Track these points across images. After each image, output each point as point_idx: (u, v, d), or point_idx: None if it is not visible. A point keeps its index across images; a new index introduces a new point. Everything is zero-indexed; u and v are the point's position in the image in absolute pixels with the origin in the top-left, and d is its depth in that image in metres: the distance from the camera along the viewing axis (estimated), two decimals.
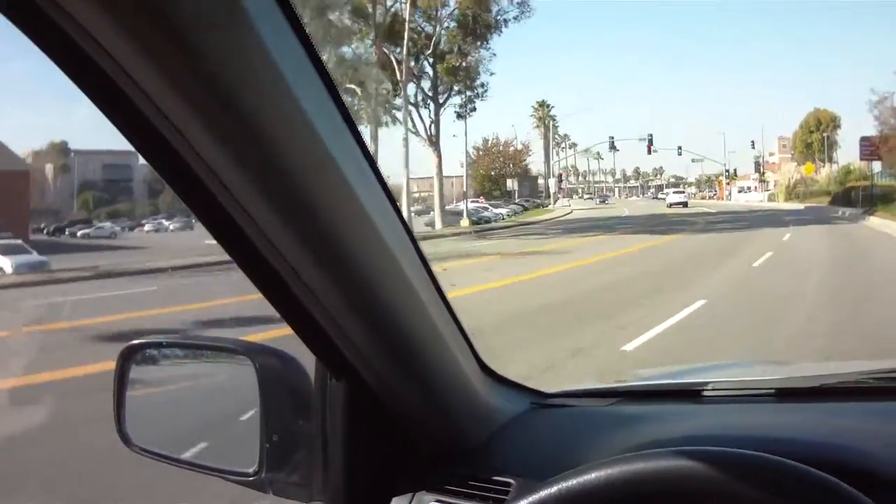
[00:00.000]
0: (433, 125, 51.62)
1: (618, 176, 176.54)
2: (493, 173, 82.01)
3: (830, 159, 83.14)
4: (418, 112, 50.67)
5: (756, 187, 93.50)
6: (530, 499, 1.00)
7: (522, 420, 1.47)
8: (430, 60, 51.74)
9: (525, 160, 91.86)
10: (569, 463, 1.11)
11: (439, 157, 49.68)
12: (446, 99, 54.26)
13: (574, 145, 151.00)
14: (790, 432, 1.26)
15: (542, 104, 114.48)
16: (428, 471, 1.31)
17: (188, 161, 0.89)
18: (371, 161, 1.02)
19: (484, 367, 1.42)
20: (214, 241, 1.01)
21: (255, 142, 0.85)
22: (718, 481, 0.96)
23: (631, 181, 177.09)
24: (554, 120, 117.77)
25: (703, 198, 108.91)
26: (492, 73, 60.29)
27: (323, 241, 0.98)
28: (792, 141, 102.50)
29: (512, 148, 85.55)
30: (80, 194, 63.58)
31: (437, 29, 50.50)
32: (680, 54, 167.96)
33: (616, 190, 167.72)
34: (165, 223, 50.59)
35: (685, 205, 74.12)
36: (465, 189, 58.17)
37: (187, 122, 0.83)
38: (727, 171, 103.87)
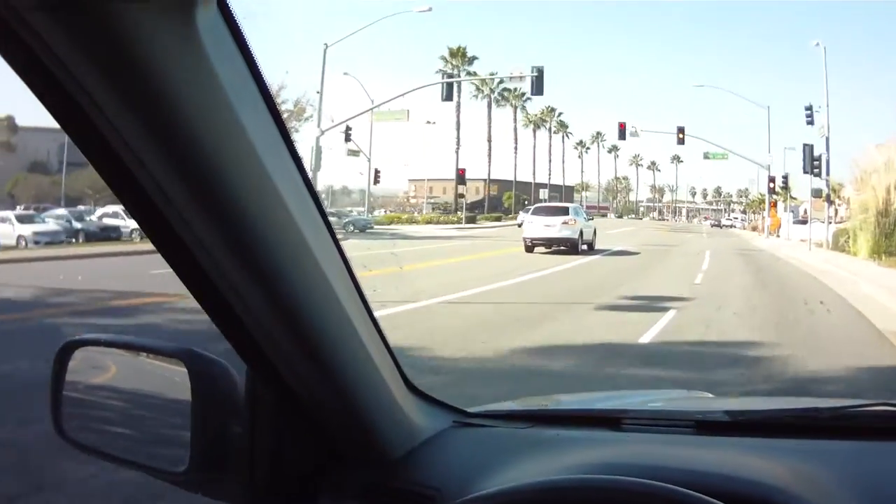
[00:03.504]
0: None
1: (696, 196, 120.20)
2: None
3: None
4: None
5: (827, 215, 29.36)
6: None
7: (444, 437, 1.30)
8: None
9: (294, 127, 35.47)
10: (487, 483, 1.07)
11: None
12: None
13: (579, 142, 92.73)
14: (708, 466, 1.10)
15: (458, 52, 55.97)
16: (351, 480, 1.19)
17: (132, 169, 0.79)
18: (303, 173, 0.92)
19: (408, 383, 1.27)
20: None
21: (191, 149, 0.77)
22: None
23: (714, 204, 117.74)
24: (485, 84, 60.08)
25: (753, 227, 58.76)
26: None
27: (251, 248, 0.87)
28: None
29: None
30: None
31: None
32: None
33: (682, 212, 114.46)
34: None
35: (571, 245, 23.86)
36: None
37: (125, 122, 0.75)
38: (772, 181, 41.42)
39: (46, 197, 43.49)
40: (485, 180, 78.05)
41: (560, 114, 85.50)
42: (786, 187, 41.74)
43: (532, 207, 25.74)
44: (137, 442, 1.17)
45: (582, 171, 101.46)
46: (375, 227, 40.79)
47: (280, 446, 1.11)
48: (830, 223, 30.51)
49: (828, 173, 29.72)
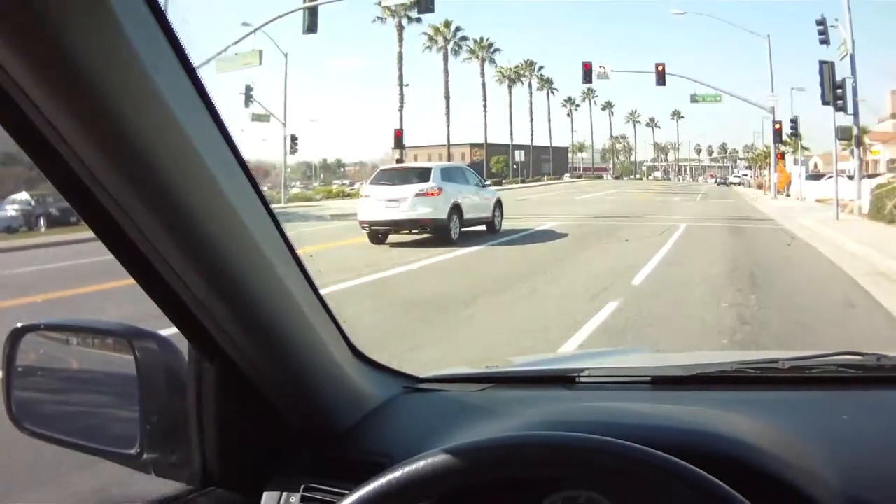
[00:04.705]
0: None
1: (701, 154, 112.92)
2: None
3: None
4: None
5: (859, 167, 17.91)
6: (379, 481, 0.81)
7: (395, 404, 1.24)
8: None
9: None
10: (439, 445, 0.97)
11: None
12: None
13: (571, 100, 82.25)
14: (664, 420, 1.05)
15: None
16: (301, 452, 1.12)
17: (55, 146, 0.76)
18: (234, 149, 0.88)
19: (356, 351, 1.20)
20: None
21: (118, 130, 0.74)
22: (579, 466, 0.81)
23: (721, 161, 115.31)
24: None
25: (759, 185, 46.55)
26: None
27: (184, 225, 0.84)
28: None
29: None
30: None
31: None
32: None
33: (686, 170, 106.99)
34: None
35: (437, 230, 13.72)
36: None
37: (56, 114, 0.72)
38: (777, 125, 30.41)
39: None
40: (468, 144, 68.17)
41: (541, 68, 74.65)
42: (796, 134, 31.34)
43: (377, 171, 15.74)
44: (91, 425, 1.12)
45: (573, 131, 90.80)
46: (281, 204, 31.42)
47: (228, 422, 1.05)
48: (860, 175, 20.53)
49: (855, 102, 19.37)
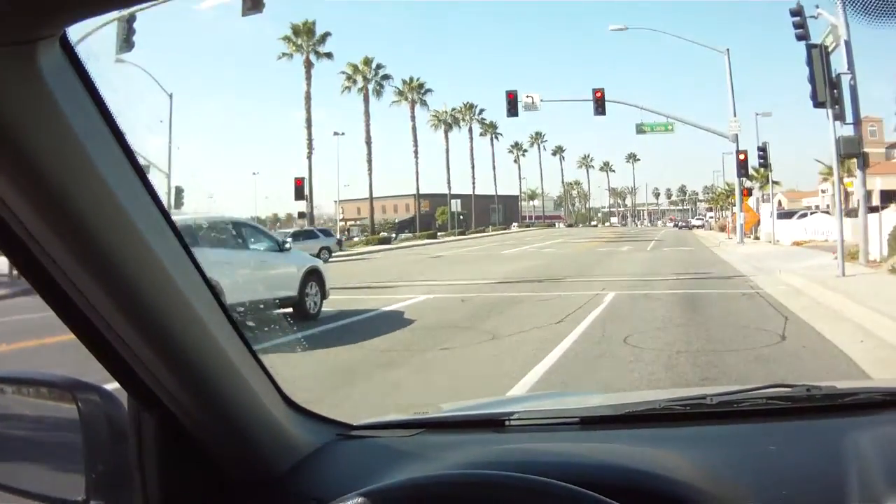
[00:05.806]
0: None
1: (660, 197, 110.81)
2: None
3: None
4: None
5: (864, 195, 13.71)
6: None
7: (328, 451, 1.27)
8: None
9: None
10: None
11: None
12: None
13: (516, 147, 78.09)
14: (590, 458, 1.08)
15: (304, 27, 40.47)
16: (238, 498, 1.14)
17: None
18: (163, 210, 0.91)
19: (288, 401, 1.22)
20: None
21: (43, 188, 0.76)
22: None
23: (680, 204, 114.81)
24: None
25: (722, 226, 42.29)
26: None
27: (118, 283, 0.87)
28: None
29: None
30: None
31: None
32: None
33: (643, 215, 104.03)
34: None
35: None
36: None
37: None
38: (742, 155, 24.38)
39: None
40: (412, 195, 62.40)
41: (482, 111, 69.70)
42: (765, 164, 25.76)
43: None
44: (38, 474, 1.14)
45: (520, 178, 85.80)
46: None
47: (169, 470, 1.07)
48: (863, 211, 14.93)
49: (856, 106, 13.62)
